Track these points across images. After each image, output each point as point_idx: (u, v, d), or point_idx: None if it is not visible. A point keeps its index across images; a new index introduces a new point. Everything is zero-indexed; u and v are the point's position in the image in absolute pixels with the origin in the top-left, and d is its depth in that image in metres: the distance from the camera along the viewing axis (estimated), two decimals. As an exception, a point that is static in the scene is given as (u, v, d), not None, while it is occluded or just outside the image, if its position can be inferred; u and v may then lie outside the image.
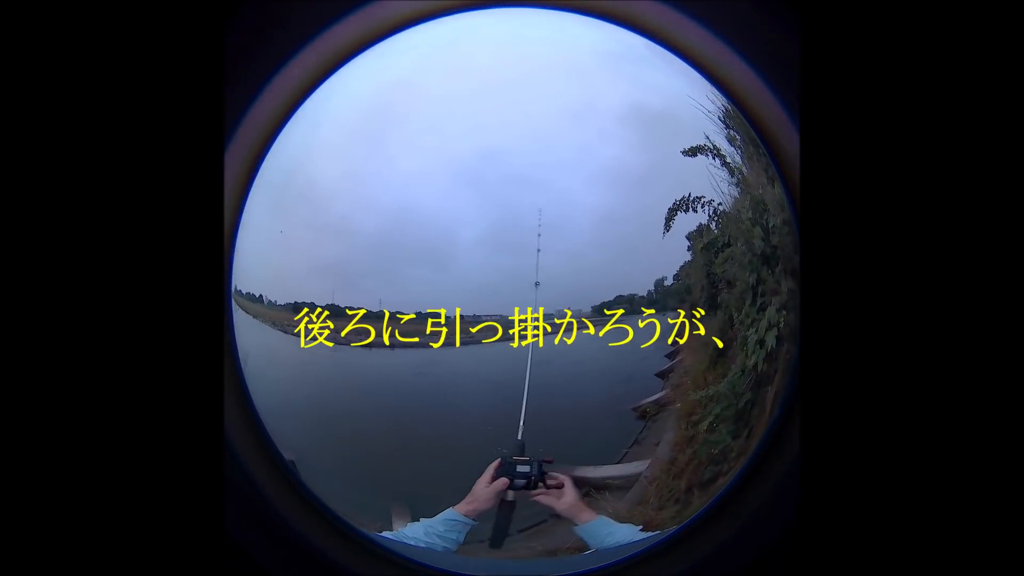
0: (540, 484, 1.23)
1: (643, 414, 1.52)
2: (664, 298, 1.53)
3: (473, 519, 1.22)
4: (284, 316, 1.50)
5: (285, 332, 1.50)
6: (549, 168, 1.46)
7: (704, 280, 1.49)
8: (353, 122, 1.39)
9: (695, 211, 1.42)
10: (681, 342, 1.55)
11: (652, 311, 1.51)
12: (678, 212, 1.43)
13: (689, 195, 1.41)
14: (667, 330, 1.54)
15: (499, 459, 1.25)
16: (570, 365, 1.56)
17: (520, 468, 1.22)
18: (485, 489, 1.23)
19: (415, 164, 1.45)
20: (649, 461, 1.47)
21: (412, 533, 1.22)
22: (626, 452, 1.51)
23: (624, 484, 1.46)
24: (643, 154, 1.43)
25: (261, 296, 1.45)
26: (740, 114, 0.99)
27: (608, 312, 1.54)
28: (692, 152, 1.36)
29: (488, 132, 1.42)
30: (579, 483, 1.38)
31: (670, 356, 1.56)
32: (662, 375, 1.56)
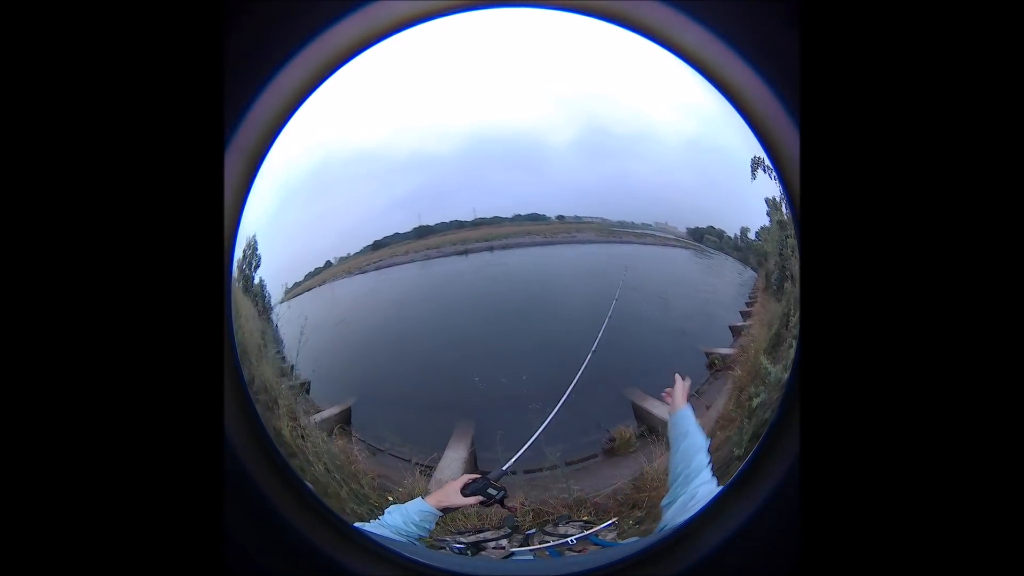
0: (497, 504, 1.40)
1: (711, 363, 1.50)
2: (747, 250, 1.50)
3: (440, 511, 1.37)
4: (361, 260, 1.49)
5: (364, 273, 1.49)
6: (623, 88, 1.42)
7: (777, 256, 1.45)
8: (390, 82, 1.36)
9: (771, 178, 1.35)
10: (753, 308, 1.52)
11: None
12: (759, 168, 1.37)
13: (763, 160, 1.35)
14: (748, 283, 1.51)
15: (478, 475, 1.39)
16: (664, 284, 1.53)
17: (490, 490, 1.38)
18: (459, 497, 1.38)
19: (481, 93, 1.41)
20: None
21: (391, 521, 1.32)
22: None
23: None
24: (713, 102, 1.39)
25: (328, 262, 1.45)
26: (740, 114, 0.99)
27: (704, 239, 1.52)
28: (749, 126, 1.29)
29: (552, 56, 1.38)
30: (642, 416, 1.42)
31: (744, 315, 1.53)
32: (735, 331, 1.53)
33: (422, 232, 1.46)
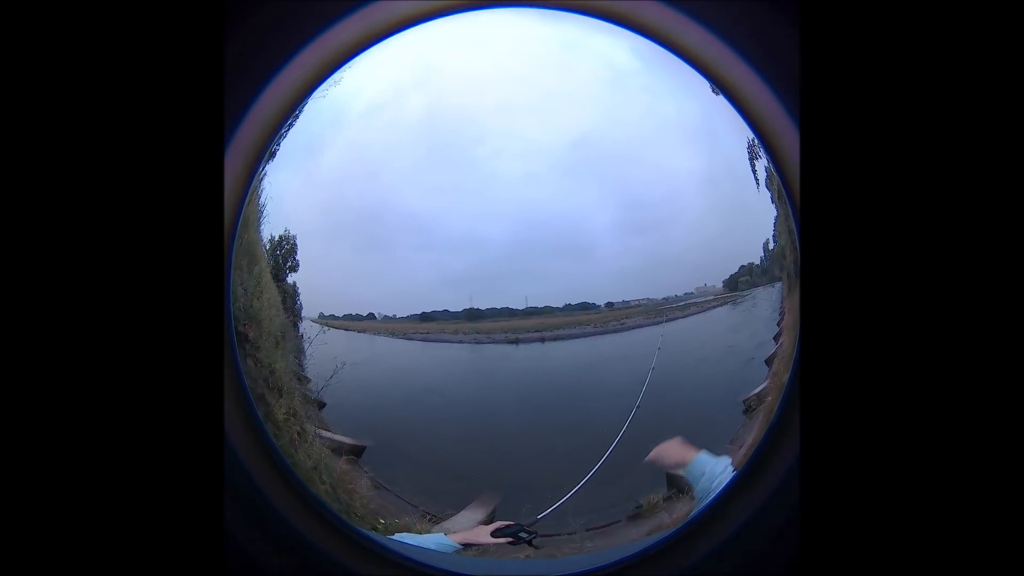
0: (527, 544, 1.42)
1: (748, 407, 1.48)
2: (772, 264, 1.45)
3: (460, 545, 1.35)
4: (407, 327, 1.51)
5: (409, 339, 1.51)
6: (632, 143, 1.42)
7: (789, 239, 1.36)
8: (426, 154, 1.38)
9: (758, 157, 1.30)
10: (783, 322, 1.45)
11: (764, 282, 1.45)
12: (755, 160, 1.31)
13: (751, 139, 1.27)
14: (777, 299, 1.46)
15: (511, 522, 1.39)
16: (695, 348, 1.53)
17: (522, 534, 1.40)
18: (487, 536, 1.37)
19: (517, 168, 1.42)
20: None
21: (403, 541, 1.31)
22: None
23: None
24: (686, 101, 1.32)
25: (371, 314, 1.47)
26: (740, 114, 0.99)
27: (738, 285, 1.49)
28: (715, 90, 1.18)
29: (557, 120, 1.38)
30: (673, 481, 1.43)
31: (776, 338, 1.48)
32: (769, 361, 1.51)
33: (472, 315, 1.47)
